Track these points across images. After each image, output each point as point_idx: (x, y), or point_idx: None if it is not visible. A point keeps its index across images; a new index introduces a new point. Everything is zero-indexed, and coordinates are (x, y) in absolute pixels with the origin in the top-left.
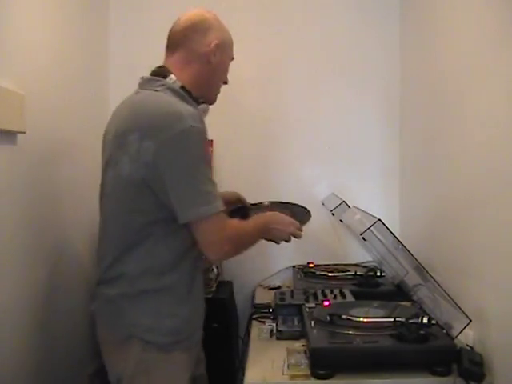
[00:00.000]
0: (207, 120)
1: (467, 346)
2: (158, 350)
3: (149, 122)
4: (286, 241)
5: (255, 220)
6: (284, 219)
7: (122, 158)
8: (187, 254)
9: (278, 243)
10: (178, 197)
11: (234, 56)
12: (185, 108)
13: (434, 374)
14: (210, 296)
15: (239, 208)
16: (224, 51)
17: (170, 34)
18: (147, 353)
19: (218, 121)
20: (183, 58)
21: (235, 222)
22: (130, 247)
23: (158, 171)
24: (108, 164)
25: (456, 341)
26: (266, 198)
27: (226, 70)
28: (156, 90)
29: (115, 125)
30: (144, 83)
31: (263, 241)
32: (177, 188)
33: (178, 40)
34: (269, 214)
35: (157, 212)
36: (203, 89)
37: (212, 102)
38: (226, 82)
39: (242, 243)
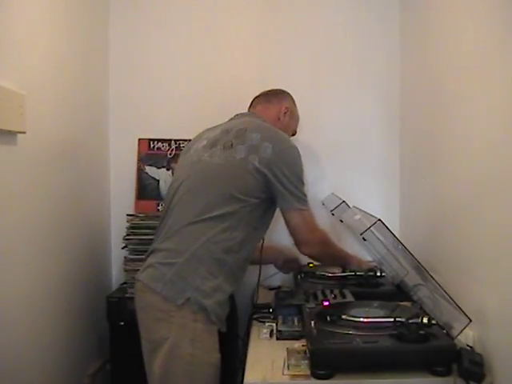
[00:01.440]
0: (207, 121)
1: (467, 345)
2: (207, 320)
3: (269, 130)
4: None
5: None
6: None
7: (238, 145)
8: (253, 242)
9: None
10: (283, 188)
11: (234, 57)
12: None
13: (434, 373)
14: None
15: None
16: (291, 118)
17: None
18: (196, 322)
19: (217, 121)
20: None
21: (325, 231)
22: (213, 218)
23: (273, 167)
24: (214, 145)
25: (456, 341)
26: None
27: (289, 135)
28: (263, 121)
29: (227, 126)
30: (252, 115)
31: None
32: (284, 182)
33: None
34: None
35: (251, 194)
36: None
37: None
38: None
39: (329, 249)
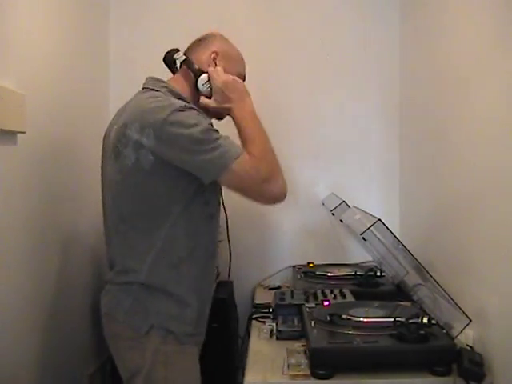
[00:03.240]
0: None
1: (467, 345)
2: (177, 342)
3: (144, 112)
4: None
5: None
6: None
7: (125, 149)
8: (201, 241)
9: None
10: (191, 160)
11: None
12: (179, 101)
13: (434, 373)
14: None
15: None
16: (227, 61)
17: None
18: (166, 345)
19: (216, 122)
20: (184, 71)
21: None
22: (153, 236)
23: (164, 150)
24: (106, 156)
25: (456, 341)
26: None
27: None
28: (156, 90)
29: (115, 122)
30: (147, 82)
31: (264, 242)
32: (186, 155)
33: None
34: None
35: (170, 194)
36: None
37: (220, 116)
38: None
39: (270, 152)
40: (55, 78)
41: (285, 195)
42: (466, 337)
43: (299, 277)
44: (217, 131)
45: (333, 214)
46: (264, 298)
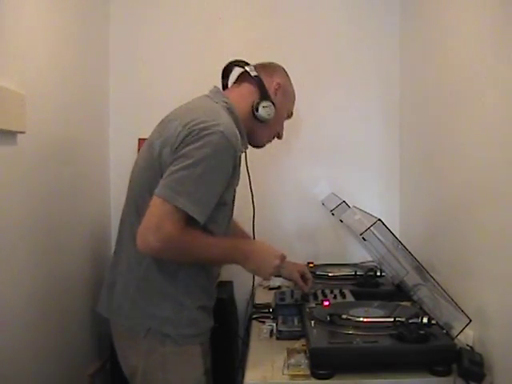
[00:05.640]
0: None
1: (467, 345)
2: (175, 344)
3: (189, 113)
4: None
5: (237, 242)
6: (269, 249)
7: (156, 140)
8: None
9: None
10: (168, 173)
11: (235, 57)
12: (229, 122)
13: (434, 373)
14: None
15: None
16: (285, 97)
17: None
18: (165, 346)
19: None
20: (248, 88)
21: (198, 232)
22: None
23: (178, 152)
24: (145, 145)
25: (456, 341)
26: (265, 199)
27: (281, 118)
28: (216, 102)
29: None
30: (211, 90)
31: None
32: (175, 167)
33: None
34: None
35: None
36: (255, 126)
37: (259, 144)
38: (279, 136)
39: (187, 251)
40: (55, 78)
41: (149, 252)
42: (466, 337)
43: None
44: (212, 185)
45: (333, 214)
46: (264, 298)
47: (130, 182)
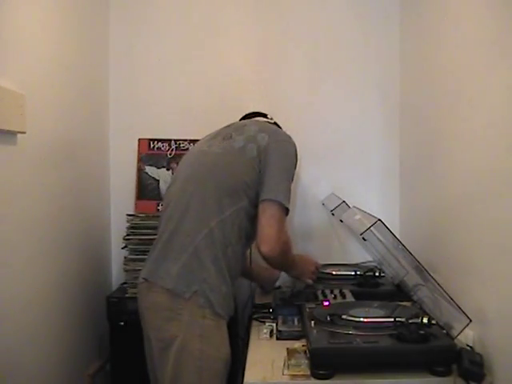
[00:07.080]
0: (207, 121)
1: (467, 345)
2: (213, 316)
3: (269, 127)
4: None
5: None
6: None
7: (237, 136)
8: (250, 236)
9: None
10: (270, 176)
11: (234, 57)
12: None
13: (434, 373)
14: None
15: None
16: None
17: None
18: (205, 319)
19: (217, 121)
20: None
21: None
22: (212, 210)
23: (268, 154)
24: (214, 138)
25: (456, 341)
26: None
27: None
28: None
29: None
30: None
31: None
32: (273, 171)
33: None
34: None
35: (246, 186)
36: None
37: None
38: None
39: (287, 256)
40: (55, 78)
41: (267, 254)
42: (466, 337)
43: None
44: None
45: (333, 214)
46: (264, 298)
47: (201, 164)
